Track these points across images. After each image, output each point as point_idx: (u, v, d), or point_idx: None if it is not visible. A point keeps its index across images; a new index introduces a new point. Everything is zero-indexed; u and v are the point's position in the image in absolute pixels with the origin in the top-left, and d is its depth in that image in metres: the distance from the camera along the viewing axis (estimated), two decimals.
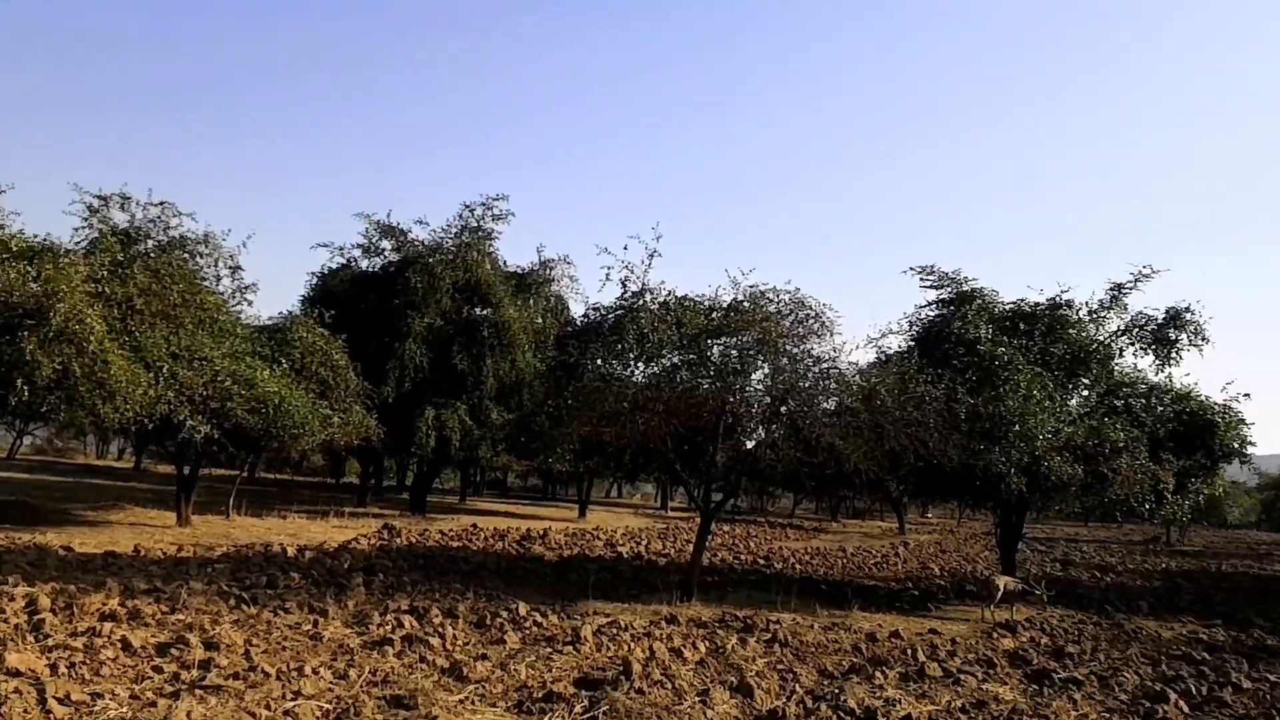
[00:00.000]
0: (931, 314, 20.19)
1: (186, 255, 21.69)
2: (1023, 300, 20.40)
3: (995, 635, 13.74)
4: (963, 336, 18.07)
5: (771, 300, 15.21)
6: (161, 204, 21.84)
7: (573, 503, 50.09)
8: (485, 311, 32.46)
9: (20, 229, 17.69)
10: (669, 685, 8.54)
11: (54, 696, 6.54)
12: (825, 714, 8.00)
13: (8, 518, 18.80)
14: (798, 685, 9.15)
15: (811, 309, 15.26)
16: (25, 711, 6.25)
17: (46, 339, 14.31)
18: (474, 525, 27.58)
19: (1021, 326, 19.49)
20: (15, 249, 15.45)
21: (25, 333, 14.30)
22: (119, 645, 8.30)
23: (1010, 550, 20.08)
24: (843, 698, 8.49)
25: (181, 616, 9.94)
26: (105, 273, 16.50)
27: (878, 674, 9.86)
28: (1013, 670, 10.99)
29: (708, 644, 10.90)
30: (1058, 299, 20.02)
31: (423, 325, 30.35)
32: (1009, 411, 15.83)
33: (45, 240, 16.85)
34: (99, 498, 25.71)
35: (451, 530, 25.31)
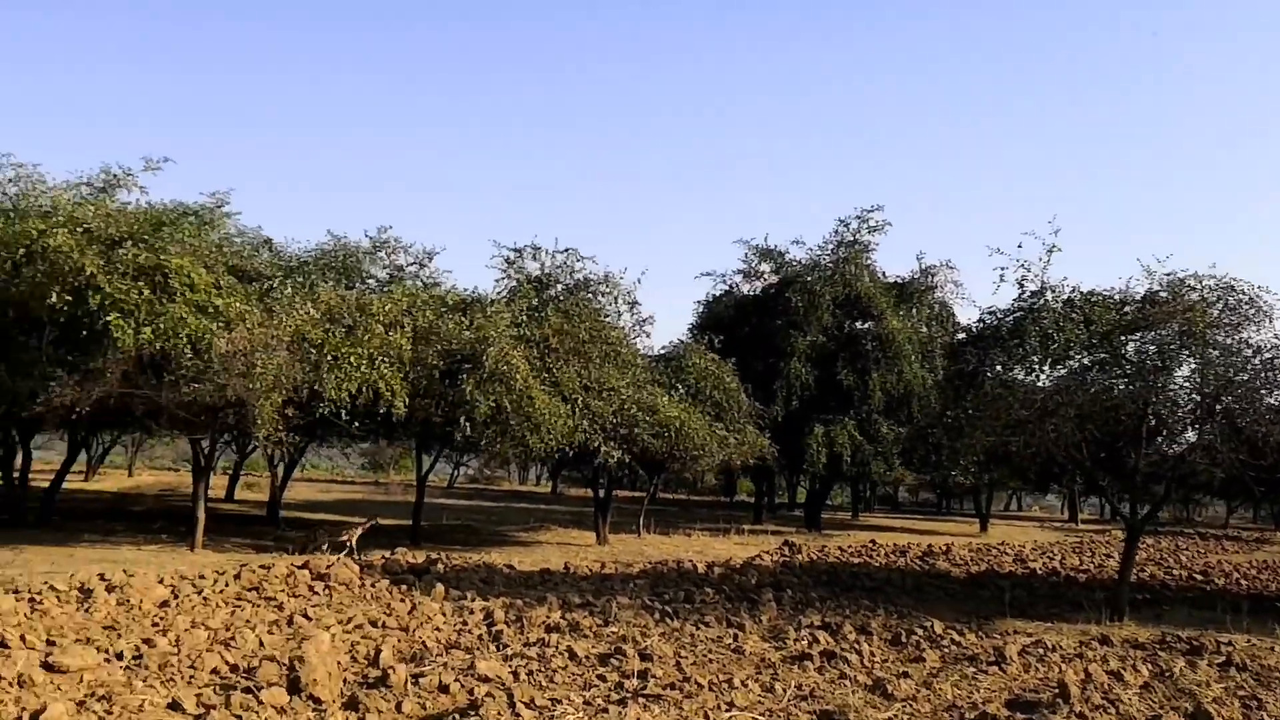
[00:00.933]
0: None
1: (590, 295, 23.51)
2: None
3: None
4: None
5: (1194, 287, 13.85)
6: (567, 250, 23.89)
7: (969, 517, 48.21)
8: (867, 325, 32.26)
9: (452, 285, 20.12)
10: (1113, 710, 7.97)
11: (521, 701, 7.27)
12: None
13: (456, 540, 21.27)
14: (1265, 714, 8.21)
15: (1244, 293, 13.72)
16: (499, 714, 7.00)
17: (482, 380, 16.17)
18: (871, 541, 27.31)
19: None
20: (451, 303, 17.64)
21: (464, 375, 16.25)
22: (566, 655, 9.07)
23: None
24: None
25: (614, 629, 10.71)
26: (524, 317, 18.40)
27: None
28: None
29: (1150, 667, 10.05)
30: None
31: (805, 343, 30.65)
32: None
33: (473, 293, 19.05)
34: (526, 520, 28.40)
35: (849, 546, 25.26)
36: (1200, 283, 13.95)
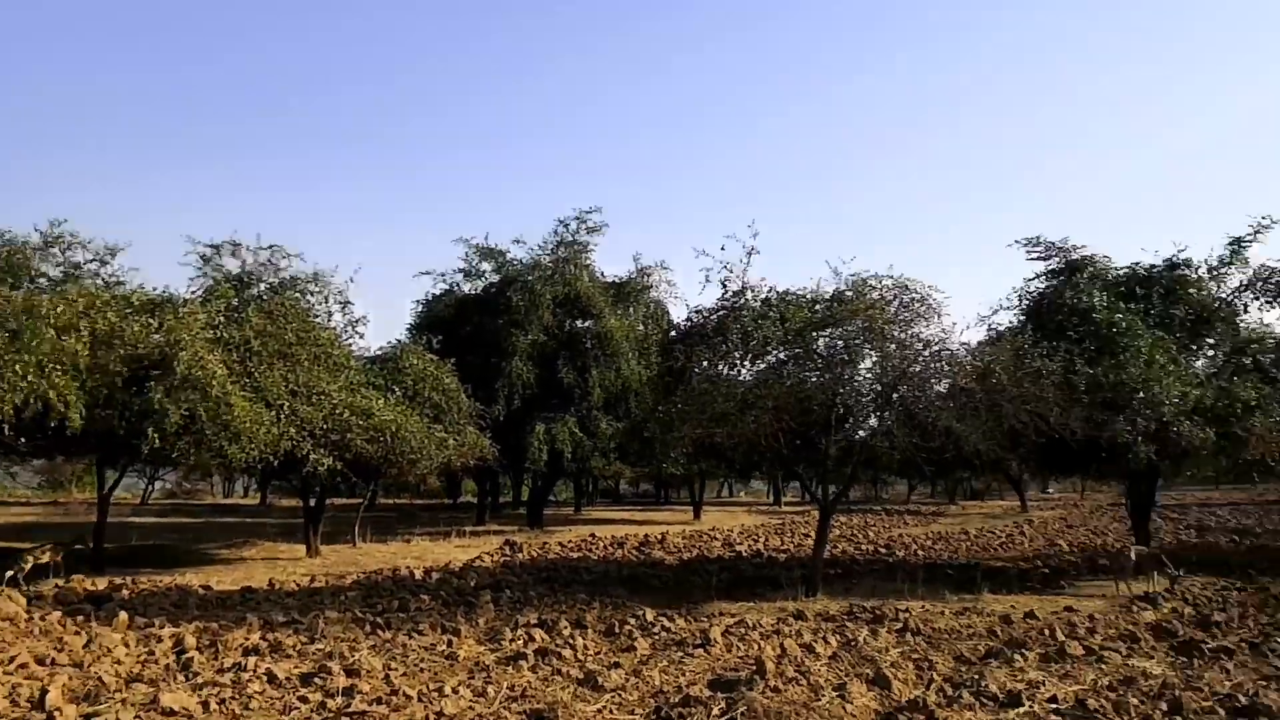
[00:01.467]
0: (1041, 286, 19.69)
1: (298, 294, 22.43)
2: (1137, 264, 19.73)
3: (1135, 609, 13.29)
4: (1076, 306, 17.53)
5: (875, 287, 15.00)
6: (271, 247, 22.66)
7: (686, 505, 50.10)
8: (587, 323, 32.80)
9: (139, 284, 18.53)
10: (804, 681, 8.47)
11: None
12: (967, 700, 7.83)
13: (148, 561, 19.62)
14: (935, 673, 8.99)
15: (916, 292, 15.02)
16: None
17: (172, 387, 14.92)
18: (592, 535, 27.79)
19: (1138, 291, 18.81)
20: (137, 303, 16.19)
21: (152, 382, 14.95)
22: (264, 678, 8.54)
23: (1143, 520, 19.42)
24: (984, 683, 8.30)
25: (321, 645, 10.21)
26: (222, 318, 17.17)
27: (1017, 656, 9.62)
28: (1158, 643, 10.59)
29: (838, 637, 10.79)
30: (1174, 259, 19.31)
31: (527, 342, 30.76)
32: (1131, 379, 15.30)
33: (164, 292, 17.61)
34: (231, 535, 26.70)
35: (571, 541, 25.56)
36: (880, 283, 15.12)
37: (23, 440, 15.45)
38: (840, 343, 14.91)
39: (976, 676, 8.63)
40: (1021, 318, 19.18)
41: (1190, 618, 12.28)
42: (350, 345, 23.38)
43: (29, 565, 14.79)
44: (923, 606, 13.37)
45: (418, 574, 17.06)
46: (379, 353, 25.61)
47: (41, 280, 19.50)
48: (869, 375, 15.07)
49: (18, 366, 13.29)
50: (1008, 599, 14.60)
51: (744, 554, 22.42)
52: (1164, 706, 7.71)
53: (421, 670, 9.21)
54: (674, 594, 15.13)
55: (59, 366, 13.81)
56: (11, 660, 9.01)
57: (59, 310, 14.56)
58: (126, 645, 9.97)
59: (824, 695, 8.02)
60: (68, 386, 13.85)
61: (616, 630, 11.21)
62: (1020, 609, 13.13)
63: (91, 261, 20.62)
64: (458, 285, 34.50)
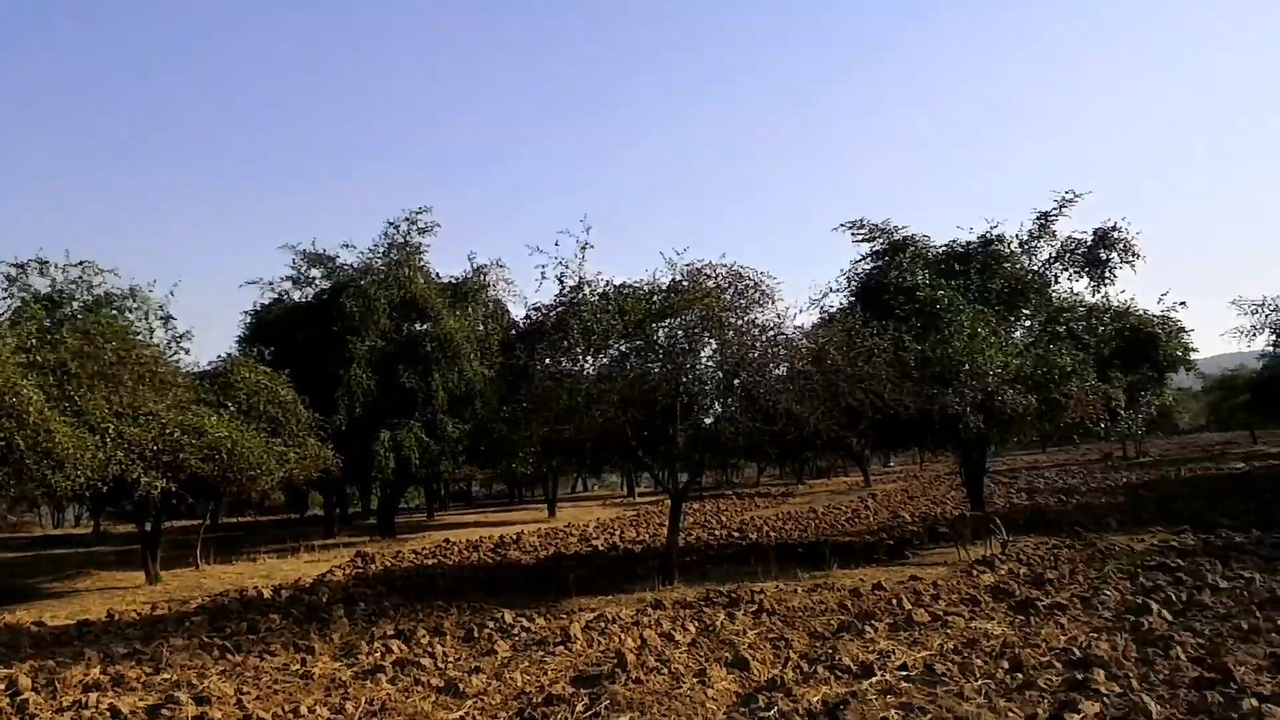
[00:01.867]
0: (868, 267, 20.46)
1: (115, 312, 21.27)
2: (955, 241, 20.75)
3: (975, 573, 13.97)
4: (901, 285, 18.31)
5: (710, 276, 15.25)
6: (82, 264, 21.34)
7: (540, 503, 49.94)
8: (425, 326, 32.17)
9: None
10: (665, 670, 8.57)
11: None
12: (823, 675, 8.08)
13: None
14: (791, 651, 9.24)
15: (750, 279, 15.34)
16: None
17: None
18: (446, 540, 27.41)
19: (957, 267, 19.81)
20: None
21: None
22: (108, 714, 8.13)
23: (977, 487, 20.42)
24: (838, 656, 8.59)
25: (167, 675, 9.74)
26: (34, 341, 16.11)
27: (867, 628, 9.99)
28: (997, 604, 11.18)
29: (697, 624, 10.95)
30: (989, 235, 20.40)
31: (364, 349, 30.01)
32: (956, 352, 16.09)
33: None
34: (63, 568, 25.14)
35: (424, 548, 25.14)
36: (714, 271, 15.39)
37: None
38: (680, 332, 15.11)
39: (831, 651, 8.92)
40: (851, 299, 19.91)
41: (1025, 577, 13.01)
42: (177, 361, 22.35)
43: None
44: (776, 586, 13.71)
45: (266, 593, 16.47)
46: (209, 368, 24.55)
47: None
48: (710, 363, 15.33)
49: None
50: (856, 572, 15.11)
51: (601, 548, 22.51)
52: (1005, 664, 8.15)
53: (276, 692, 8.91)
54: (533, 593, 15.06)
55: None
56: None
57: None
58: None
59: (685, 682, 8.14)
60: None
61: (476, 635, 11.10)
62: (869, 581, 13.61)
63: None
64: (287, 294, 33.27)
